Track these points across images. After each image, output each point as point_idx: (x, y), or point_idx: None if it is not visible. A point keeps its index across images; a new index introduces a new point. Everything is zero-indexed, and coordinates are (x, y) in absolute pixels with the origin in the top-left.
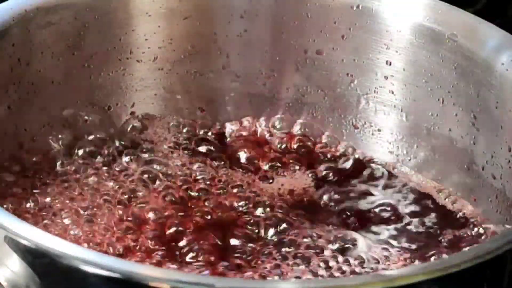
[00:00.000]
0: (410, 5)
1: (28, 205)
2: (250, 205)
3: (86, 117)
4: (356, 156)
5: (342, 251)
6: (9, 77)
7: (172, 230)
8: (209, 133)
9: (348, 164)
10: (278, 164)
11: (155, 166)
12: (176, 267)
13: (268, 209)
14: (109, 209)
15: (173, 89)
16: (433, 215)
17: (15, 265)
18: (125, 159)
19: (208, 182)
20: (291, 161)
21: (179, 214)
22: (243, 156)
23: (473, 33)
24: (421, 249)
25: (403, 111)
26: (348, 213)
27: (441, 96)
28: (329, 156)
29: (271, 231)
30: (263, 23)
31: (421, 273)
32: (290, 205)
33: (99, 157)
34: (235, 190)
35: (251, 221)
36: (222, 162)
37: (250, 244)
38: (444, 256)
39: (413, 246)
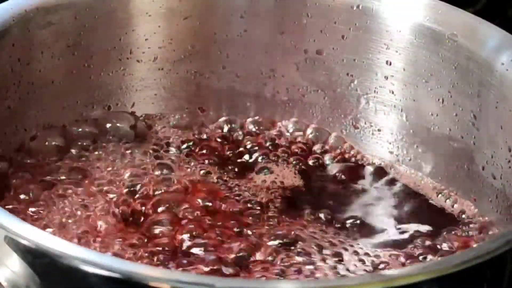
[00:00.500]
0: (410, 5)
1: (28, 204)
2: (249, 205)
3: (86, 118)
4: (356, 156)
5: (341, 250)
6: (9, 77)
7: (171, 230)
8: (209, 133)
9: (348, 164)
10: (278, 164)
11: (155, 165)
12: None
13: (264, 208)
14: (109, 208)
15: (173, 89)
16: (433, 215)
17: (15, 265)
18: (126, 158)
19: (208, 182)
20: (290, 161)
21: (178, 214)
22: (243, 156)
23: (473, 33)
24: (421, 249)
25: (403, 111)
26: (348, 213)
27: (441, 96)
28: (329, 156)
29: (269, 231)
30: (263, 23)
31: (421, 273)
32: (288, 205)
33: (99, 157)
34: (234, 191)
35: (250, 221)
36: (222, 162)
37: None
38: (444, 256)
39: (413, 246)
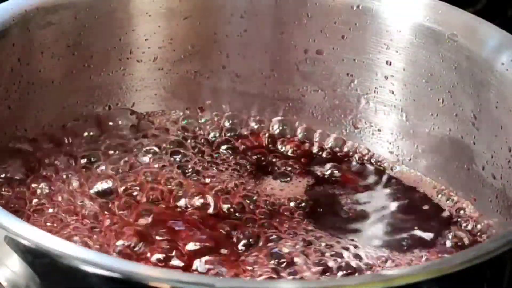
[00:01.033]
0: (410, 5)
1: (28, 204)
2: (249, 206)
3: (86, 117)
4: (356, 156)
5: (341, 251)
6: (9, 77)
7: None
8: (209, 133)
9: (348, 164)
10: (277, 164)
11: (154, 165)
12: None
13: (264, 209)
14: (109, 208)
15: (173, 89)
16: (433, 215)
17: (15, 265)
18: (126, 158)
19: (207, 183)
20: (290, 161)
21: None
22: (242, 156)
23: (473, 33)
24: (421, 249)
25: (403, 111)
26: (348, 213)
27: (441, 96)
28: (328, 156)
29: (268, 232)
30: (263, 23)
31: (421, 273)
32: (287, 205)
33: (99, 157)
34: (233, 191)
35: (250, 222)
36: (222, 163)
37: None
38: (444, 256)
39: (413, 246)
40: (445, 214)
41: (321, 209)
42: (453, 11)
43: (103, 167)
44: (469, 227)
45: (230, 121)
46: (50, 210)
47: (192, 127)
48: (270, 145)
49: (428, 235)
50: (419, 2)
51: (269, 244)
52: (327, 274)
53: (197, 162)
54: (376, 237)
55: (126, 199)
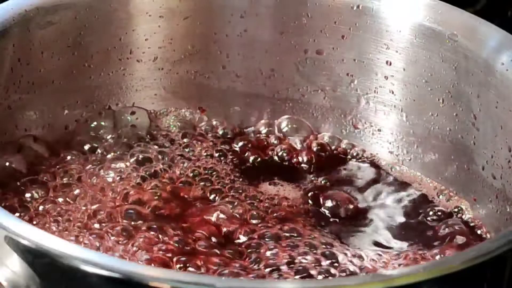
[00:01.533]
0: (410, 5)
1: (28, 205)
2: (248, 207)
3: (86, 117)
4: (356, 156)
5: (341, 251)
6: (9, 77)
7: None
8: (209, 133)
9: (348, 164)
10: (277, 164)
11: (155, 165)
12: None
13: (263, 209)
14: (109, 208)
15: (173, 89)
16: (433, 215)
17: (15, 265)
18: (126, 157)
19: (207, 182)
20: (290, 160)
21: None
22: (243, 156)
23: (473, 33)
24: (421, 249)
25: (403, 111)
26: (348, 213)
27: (441, 96)
28: (328, 156)
29: (269, 232)
30: (263, 23)
31: (421, 273)
32: (287, 205)
33: (99, 157)
34: (233, 193)
35: (249, 222)
36: (221, 163)
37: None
38: (444, 256)
39: (413, 246)
40: (445, 213)
41: (321, 209)
42: (453, 11)
43: (102, 167)
44: (469, 227)
45: (230, 121)
46: (54, 212)
47: (192, 127)
48: (270, 145)
49: (427, 235)
50: (419, 2)
51: (269, 247)
52: (325, 274)
53: (197, 162)
54: (375, 237)
55: (125, 200)
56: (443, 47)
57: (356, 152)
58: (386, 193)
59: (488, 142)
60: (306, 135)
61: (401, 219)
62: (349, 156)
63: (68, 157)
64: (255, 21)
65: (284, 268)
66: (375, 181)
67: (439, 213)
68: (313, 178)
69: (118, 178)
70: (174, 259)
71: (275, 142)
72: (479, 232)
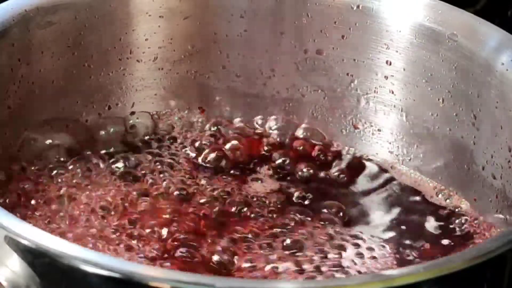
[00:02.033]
0: (410, 5)
1: (28, 205)
2: (247, 207)
3: (86, 118)
4: (356, 156)
5: (341, 250)
6: (9, 77)
7: (169, 229)
8: (209, 133)
9: (348, 165)
10: (277, 164)
11: (155, 165)
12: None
13: (265, 207)
14: (110, 208)
15: (173, 89)
16: (432, 215)
17: (15, 265)
18: (126, 158)
19: (206, 182)
20: (290, 160)
21: (175, 215)
22: (242, 156)
23: (473, 33)
24: (421, 249)
25: (403, 111)
26: (347, 213)
27: (441, 96)
28: (329, 156)
29: (270, 230)
30: (263, 23)
31: (421, 273)
32: (288, 205)
33: (100, 157)
34: (233, 191)
35: (249, 223)
36: (221, 163)
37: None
38: (444, 256)
39: (413, 246)
40: (445, 214)
41: (320, 209)
42: (453, 11)
43: (104, 167)
44: (469, 227)
45: (230, 121)
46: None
47: (192, 127)
48: (270, 145)
49: (427, 235)
50: (419, 2)
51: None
52: (326, 273)
53: (196, 162)
54: (375, 237)
55: (127, 199)
56: (443, 47)
57: (355, 152)
58: (385, 193)
59: (488, 142)
60: (306, 135)
61: (401, 219)
62: (349, 156)
63: (68, 159)
64: (255, 21)
65: (279, 264)
66: (374, 181)
67: (439, 213)
68: (312, 178)
69: (119, 177)
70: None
71: (275, 142)
72: (479, 232)
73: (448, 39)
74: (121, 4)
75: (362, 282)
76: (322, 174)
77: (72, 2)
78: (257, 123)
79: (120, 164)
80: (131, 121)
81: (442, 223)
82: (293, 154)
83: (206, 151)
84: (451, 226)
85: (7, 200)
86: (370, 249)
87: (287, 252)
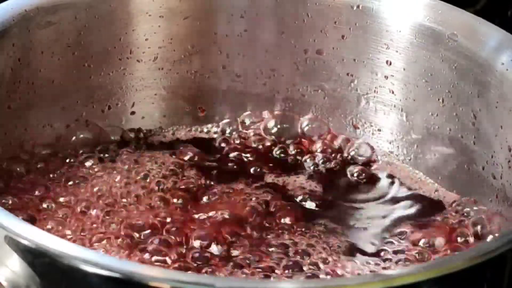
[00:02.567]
0: (410, 5)
1: (28, 205)
2: (248, 208)
3: (86, 117)
4: (356, 156)
5: (340, 250)
6: (9, 77)
7: (172, 230)
8: (209, 133)
9: (347, 164)
10: (277, 164)
11: (154, 165)
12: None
13: (265, 208)
14: (110, 208)
15: (173, 89)
16: (432, 214)
17: (15, 265)
18: (126, 158)
19: (207, 183)
20: (290, 161)
21: (178, 217)
22: (242, 155)
23: (473, 33)
24: (421, 249)
25: (403, 111)
26: (347, 213)
27: (441, 96)
28: (328, 156)
29: (269, 231)
30: (263, 23)
31: (421, 273)
32: (288, 205)
33: (100, 157)
34: (235, 191)
35: (250, 223)
36: (221, 163)
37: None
38: (445, 256)
39: (413, 246)
40: (445, 214)
41: (320, 209)
42: (453, 11)
43: (104, 167)
44: (469, 227)
45: (230, 121)
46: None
47: (192, 127)
48: (270, 145)
49: (427, 235)
50: (419, 2)
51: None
52: (325, 272)
53: (196, 162)
54: (375, 237)
55: (126, 199)
56: (443, 47)
57: (355, 152)
58: (385, 193)
59: (488, 142)
60: (305, 135)
61: (400, 218)
62: (348, 156)
63: (68, 159)
64: (255, 21)
65: (278, 269)
66: (374, 181)
67: (439, 213)
68: (312, 178)
69: (119, 177)
70: None
71: (274, 141)
72: (478, 232)
73: (448, 39)
74: (121, 4)
75: (362, 282)
76: (321, 173)
77: (72, 2)
78: (257, 123)
79: (120, 164)
80: (131, 121)
81: (441, 223)
82: (291, 153)
83: (205, 151)
84: (450, 226)
85: (7, 201)
86: (369, 249)
87: (281, 252)
